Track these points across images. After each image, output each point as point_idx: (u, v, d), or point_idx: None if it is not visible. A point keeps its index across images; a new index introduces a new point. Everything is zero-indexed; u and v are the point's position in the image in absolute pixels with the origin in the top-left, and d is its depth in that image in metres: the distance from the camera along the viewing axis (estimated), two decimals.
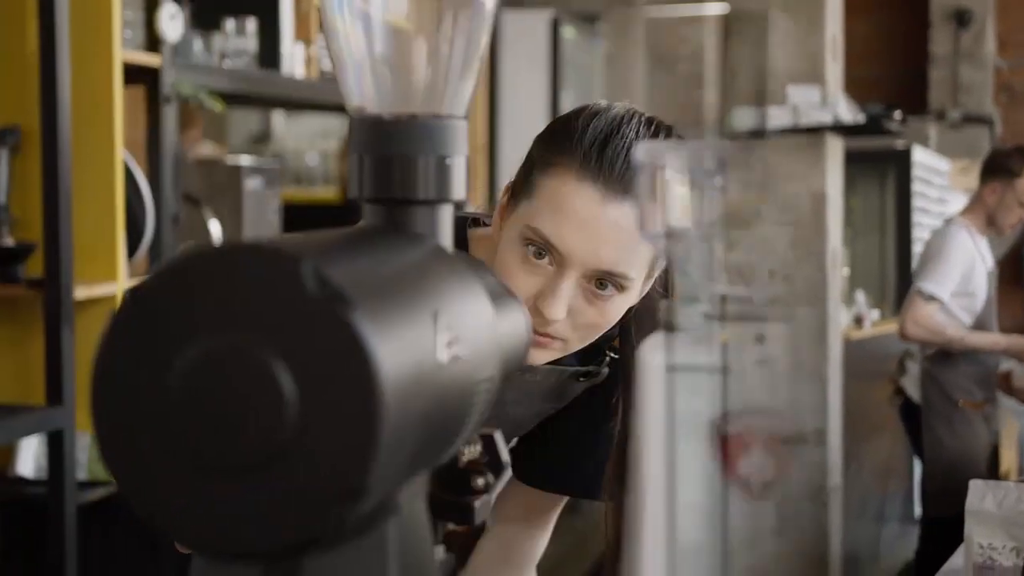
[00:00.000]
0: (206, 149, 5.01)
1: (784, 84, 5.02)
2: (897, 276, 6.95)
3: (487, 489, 0.84)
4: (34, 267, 2.40)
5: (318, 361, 0.59)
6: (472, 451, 0.84)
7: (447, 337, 0.67)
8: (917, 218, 6.95)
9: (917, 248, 6.94)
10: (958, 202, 8.23)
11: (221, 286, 0.61)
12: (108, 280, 2.49)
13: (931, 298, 4.35)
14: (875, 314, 5.89)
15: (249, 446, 0.59)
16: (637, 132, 1.25)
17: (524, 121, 4.90)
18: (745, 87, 4.99)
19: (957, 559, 2.10)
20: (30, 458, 2.71)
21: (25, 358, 2.46)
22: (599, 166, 1.22)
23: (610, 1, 5.27)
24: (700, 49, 5.28)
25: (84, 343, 2.39)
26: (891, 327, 5.83)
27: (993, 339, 4.58)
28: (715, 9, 5.48)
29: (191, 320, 0.61)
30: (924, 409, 4.44)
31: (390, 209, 0.76)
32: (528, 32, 4.95)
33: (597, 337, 1.30)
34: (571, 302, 1.24)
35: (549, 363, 1.38)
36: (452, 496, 0.83)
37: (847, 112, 5.44)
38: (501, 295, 0.84)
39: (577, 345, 1.29)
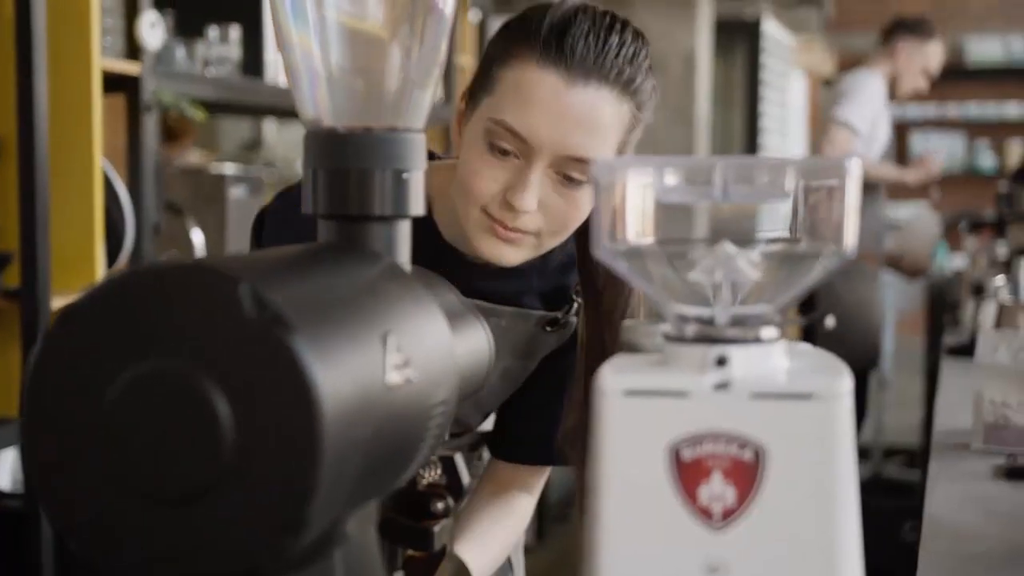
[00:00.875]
0: (193, 157, 4.98)
1: None
2: (745, 150, 6.95)
3: (447, 513, 0.82)
4: (11, 277, 2.36)
5: (256, 386, 0.57)
6: (431, 474, 0.82)
7: (398, 359, 0.65)
8: (762, 91, 6.97)
9: (764, 122, 6.98)
10: (798, 79, 8.32)
11: (157, 307, 0.58)
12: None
13: (849, 128, 4.40)
14: None
15: (184, 474, 0.57)
16: (594, 20, 1.25)
17: None
18: None
19: (964, 418, 1.88)
20: (7, 471, 2.68)
21: (2, 369, 2.43)
22: (560, 52, 1.22)
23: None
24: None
25: None
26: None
27: (899, 172, 4.68)
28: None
29: (125, 342, 0.58)
30: None
31: (345, 225, 0.74)
32: None
33: (568, 235, 1.29)
34: (541, 194, 1.24)
35: (515, 307, 1.37)
36: (411, 520, 0.81)
37: None
38: (461, 314, 0.81)
39: (549, 242, 1.28)
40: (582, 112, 1.22)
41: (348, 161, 0.73)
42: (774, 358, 0.66)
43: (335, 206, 0.73)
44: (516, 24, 1.28)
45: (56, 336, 0.59)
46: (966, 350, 2.72)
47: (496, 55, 1.27)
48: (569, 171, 1.23)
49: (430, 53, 0.76)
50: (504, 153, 1.23)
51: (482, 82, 1.28)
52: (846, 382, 0.64)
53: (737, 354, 0.64)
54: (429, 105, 0.77)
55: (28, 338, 2.32)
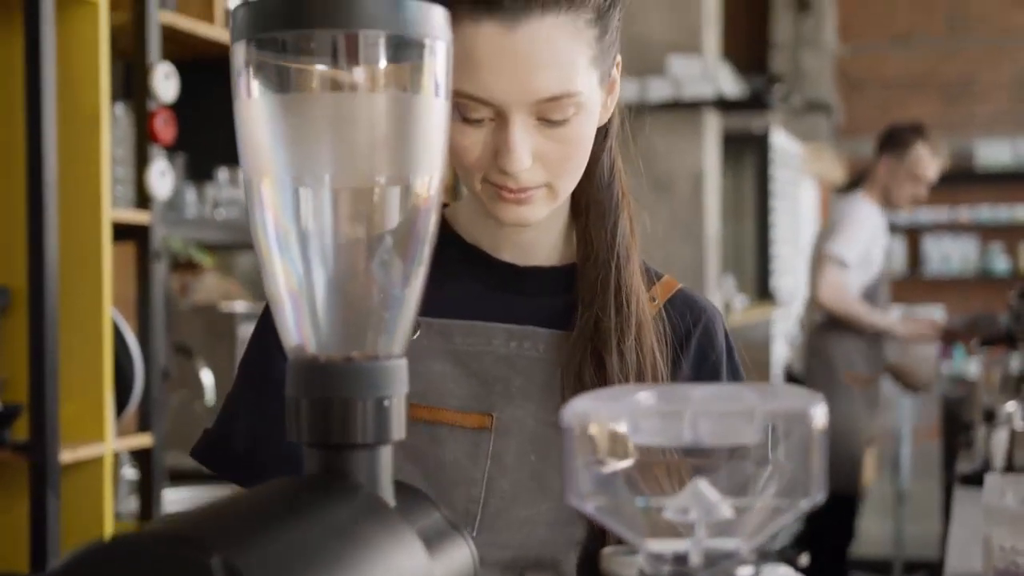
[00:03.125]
0: (210, 281, 5.01)
1: (663, 53, 5.09)
2: (756, 261, 6.98)
3: None
4: (19, 430, 2.37)
5: None
6: None
7: None
8: (772, 202, 7.01)
9: (775, 233, 7.02)
10: (809, 187, 8.39)
11: None
12: (96, 441, 2.47)
13: (840, 263, 4.40)
14: (741, 300, 5.97)
15: None
16: None
17: None
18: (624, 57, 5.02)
19: (976, 558, 1.83)
20: None
21: (9, 524, 2.42)
22: None
23: None
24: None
25: (70, 509, 2.37)
26: (761, 313, 5.89)
27: (891, 321, 4.64)
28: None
29: None
30: (807, 381, 4.43)
31: (327, 454, 0.75)
32: None
33: (581, 169, 1.22)
34: (532, 146, 1.17)
35: (551, 327, 1.27)
36: None
37: (730, 84, 5.45)
38: (443, 533, 0.81)
39: (564, 186, 1.21)
40: (532, 51, 1.14)
41: (330, 391, 0.74)
42: None
43: (317, 435, 0.74)
44: None
45: None
46: (979, 478, 2.69)
47: None
48: (548, 114, 1.16)
49: (414, 266, 0.76)
50: (479, 121, 1.17)
51: None
52: None
53: None
54: (414, 317, 0.77)
55: (36, 493, 2.32)
